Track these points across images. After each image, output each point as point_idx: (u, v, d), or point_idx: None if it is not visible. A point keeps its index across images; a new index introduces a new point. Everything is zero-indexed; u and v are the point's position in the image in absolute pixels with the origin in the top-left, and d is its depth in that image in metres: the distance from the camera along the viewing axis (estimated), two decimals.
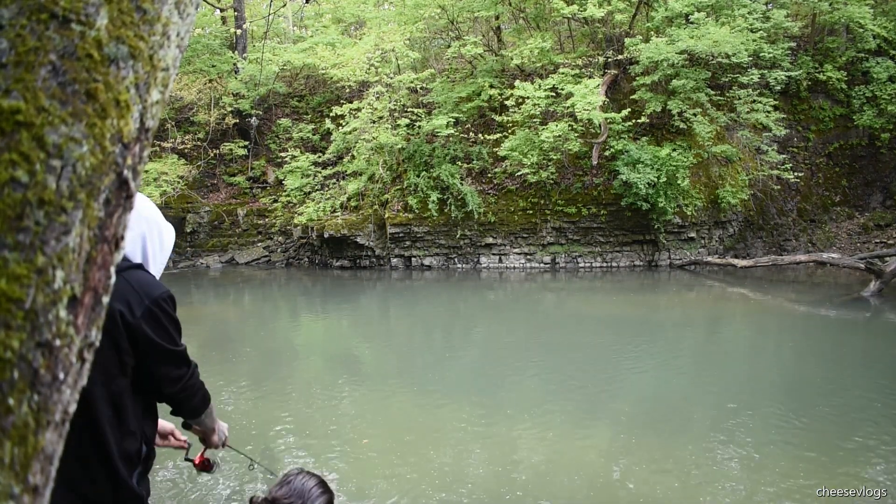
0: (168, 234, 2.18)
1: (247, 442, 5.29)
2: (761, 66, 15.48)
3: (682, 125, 15.14)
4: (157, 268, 2.12)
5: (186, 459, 2.51)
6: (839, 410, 5.82)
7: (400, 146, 16.02)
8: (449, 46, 17.35)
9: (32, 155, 0.71)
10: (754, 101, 15.20)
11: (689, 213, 15.21)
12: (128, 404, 1.95)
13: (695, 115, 14.78)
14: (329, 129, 17.25)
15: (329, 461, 4.87)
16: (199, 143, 19.21)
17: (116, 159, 0.81)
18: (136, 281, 1.93)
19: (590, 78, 15.22)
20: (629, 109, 14.70)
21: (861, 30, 16.40)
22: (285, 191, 17.97)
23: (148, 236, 2.07)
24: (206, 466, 2.51)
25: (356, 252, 16.67)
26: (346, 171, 17.22)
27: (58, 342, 0.74)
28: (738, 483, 4.42)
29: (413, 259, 16.27)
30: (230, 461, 4.86)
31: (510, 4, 17.29)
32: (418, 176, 15.84)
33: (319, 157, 17.77)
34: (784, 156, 16.07)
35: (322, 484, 2.33)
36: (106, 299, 0.83)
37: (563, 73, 15.06)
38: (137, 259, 2.04)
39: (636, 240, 15.78)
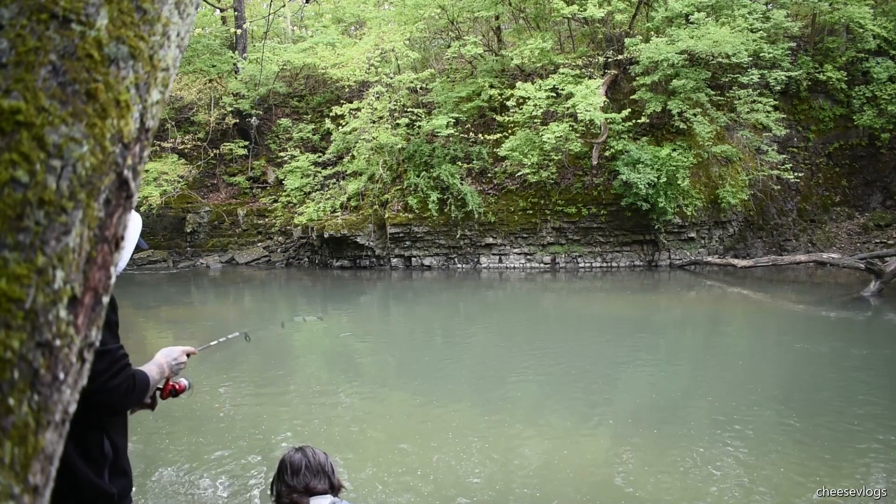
0: (133, 224, 2.10)
1: (247, 441, 5.29)
2: (761, 66, 15.48)
3: (682, 125, 15.14)
4: (122, 257, 1.99)
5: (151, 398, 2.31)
6: (839, 410, 5.82)
7: (400, 146, 16.02)
8: (449, 46, 17.35)
9: (32, 155, 0.71)
10: (754, 101, 15.20)
11: (689, 213, 15.21)
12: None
13: (695, 115, 14.78)
14: (329, 129, 17.25)
15: None
16: (199, 143, 19.22)
17: (116, 159, 0.81)
18: None
19: (590, 78, 15.23)
20: (629, 109, 14.70)
21: (861, 30, 16.40)
22: (285, 191, 17.97)
23: None
24: (175, 392, 2.36)
25: (356, 252, 16.67)
26: (346, 171, 17.22)
27: (58, 342, 0.74)
28: (738, 483, 4.42)
29: (413, 259, 16.27)
30: (227, 460, 4.86)
31: (510, 4, 17.29)
32: (418, 176, 15.84)
33: (319, 157, 17.78)
34: (784, 156, 16.08)
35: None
36: (106, 299, 0.83)
37: (563, 74, 15.07)
38: None
39: (636, 240, 15.78)
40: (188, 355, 2.35)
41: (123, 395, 1.99)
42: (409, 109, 16.39)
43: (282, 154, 18.44)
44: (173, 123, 19.58)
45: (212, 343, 2.90)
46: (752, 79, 14.92)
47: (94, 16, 0.77)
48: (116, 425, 2.07)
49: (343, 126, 16.56)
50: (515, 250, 16.02)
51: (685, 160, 14.83)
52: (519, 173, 15.47)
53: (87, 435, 1.94)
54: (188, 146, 18.94)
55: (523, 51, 15.62)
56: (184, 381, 2.39)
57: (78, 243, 0.76)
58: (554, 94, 14.77)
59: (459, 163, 15.99)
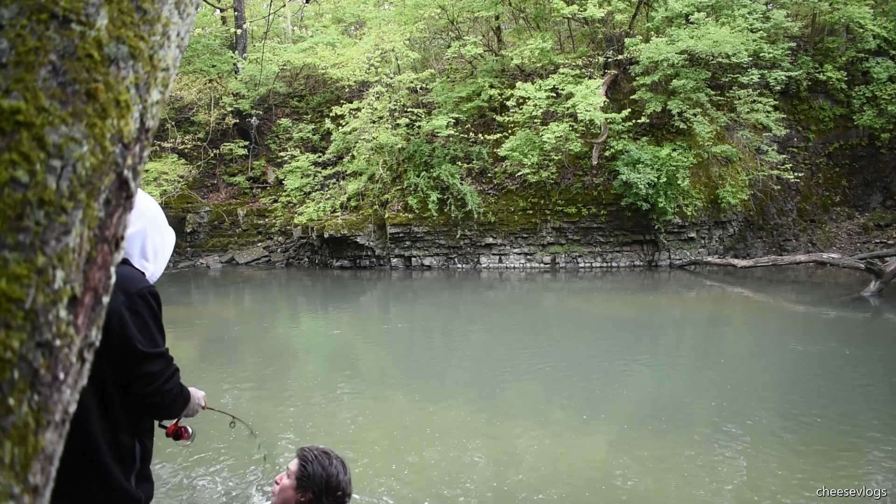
0: (169, 236, 2.14)
1: (246, 441, 5.28)
2: (761, 66, 15.48)
3: (682, 125, 15.14)
4: (158, 266, 2.08)
5: (160, 426, 2.37)
6: (839, 410, 5.82)
7: (400, 146, 16.02)
8: (449, 46, 17.35)
9: (32, 155, 0.71)
10: (754, 101, 15.20)
11: (689, 213, 15.21)
12: (115, 401, 1.87)
13: (695, 115, 14.78)
14: (329, 129, 17.25)
15: None
16: (199, 143, 19.21)
17: (116, 159, 0.81)
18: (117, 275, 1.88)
19: (590, 78, 15.23)
20: (629, 109, 14.70)
21: (861, 30, 16.40)
22: (285, 191, 17.97)
23: (149, 234, 2.02)
24: (180, 435, 2.40)
25: (356, 252, 16.67)
26: (346, 171, 17.22)
27: (58, 342, 0.74)
28: (738, 483, 4.42)
29: (413, 259, 16.27)
30: (226, 459, 4.86)
31: (510, 4, 17.29)
32: (418, 176, 15.84)
33: (319, 157, 17.78)
34: (784, 156, 16.07)
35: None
36: (106, 299, 0.83)
37: (563, 74, 15.07)
38: (135, 254, 1.99)
39: (636, 240, 15.78)
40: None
41: (173, 400, 2.01)
42: (409, 109, 16.38)
43: (282, 154, 18.43)
44: (173, 123, 19.57)
45: (212, 407, 3.01)
46: (752, 79, 14.92)
47: (94, 16, 0.77)
48: (147, 430, 2.07)
49: (343, 126, 16.56)
50: (515, 250, 16.02)
51: (685, 160, 14.83)
52: (519, 173, 15.47)
53: (121, 438, 1.92)
54: (188, 146, 18.93)
55: (523, 51, 15.62)
56: (190, 430, 2.41)
57: (78, 243, 0.76)
58: (554, 94, 14.77)
59: (459, 163, 15.99)
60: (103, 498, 1.86)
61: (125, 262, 1.91)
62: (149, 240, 2.02)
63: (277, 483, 2.57)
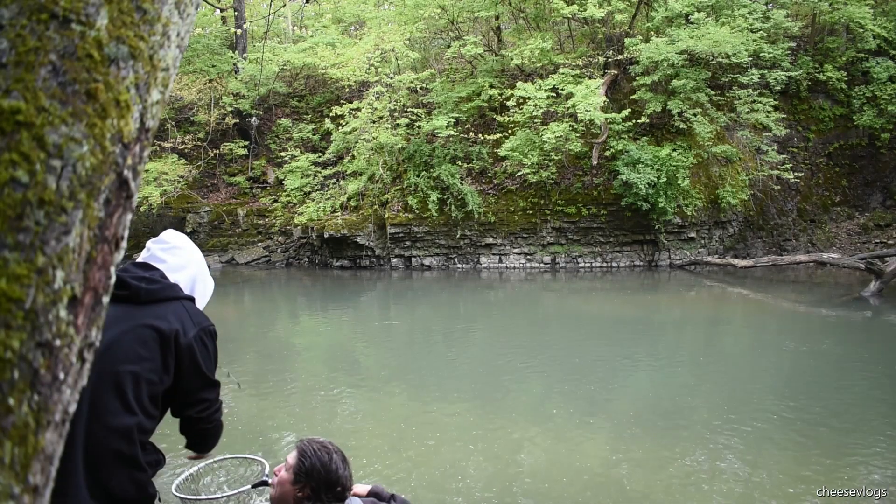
0: (210, 285, 2.43)
1: (246, 441, 5.28)
2: (761, 66, 15.48)
3: (682, 125, 15.14)
4: (200, 307, 2.33)
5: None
6: (839, 411, 5.82)
7: (400, 146, 16.02)
8: (449, 46, 17.35)
9: (32, 155, 0.71)
10: (754, 101, 15.20)
11: (689, 213, 15.21)
12: (159, 414, 2.14)
13: (695, 115, 14.78)
14: (329, 129, 17.26)
15: None
16: (199, 143, 19.21)
17: (116, 159, 0.80)
18: (191, 309, 2.19)
19: (590, 78, 15.23)
20: (629, 109, 14.70)
21: (861, 30, 16.40)
22: (285, 191, 17.98)
23: (198, 280, 2.35)
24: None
25: (356, 252, 16.67)
26: (346, 171, 17.23)
27: (58, 342, 0.74)
28: (738, 483, 4.42)
29: (413, 259, 16.26)
30: (227, 460, 4.86)
31: (510, 4, 17.29)
32: (418, 176, 15.84)
33: (319, 157, 17.78)
34: (784, 156, 16.08)
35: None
36: (106, 299, 0.83)
37: (563, 74, 15.07)
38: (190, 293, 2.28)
39: (636, 240, 15.77)
40: None
41: (218, 429, 2.29)
42: (409, 109, 16.39)
43: (282, 154, 18.44)
44: (173, 123, 19.58)
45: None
46: (752, 79, 14.92)
47: (94, 16, 0.77)
48: (155, 446, 2.31)
49: (343, 126, 16.56)
50: (515, 250, 16.02)
51: (685, 160, 14.83)
52: (519, 173, 15.47)
53: (150, 448, 2.17)
54: (188, 146, 18.93)
55: (523, 51, 15.62)
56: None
57: (78, 243, 0.76)
58: (554, 94, 14.77)
59: (459, 163, 15.99)
60: (134, 495, 2.08)
61: (192, 299, 2.23)
62: (197, 285, 2.34)
63: (276, 475, 2.53)
